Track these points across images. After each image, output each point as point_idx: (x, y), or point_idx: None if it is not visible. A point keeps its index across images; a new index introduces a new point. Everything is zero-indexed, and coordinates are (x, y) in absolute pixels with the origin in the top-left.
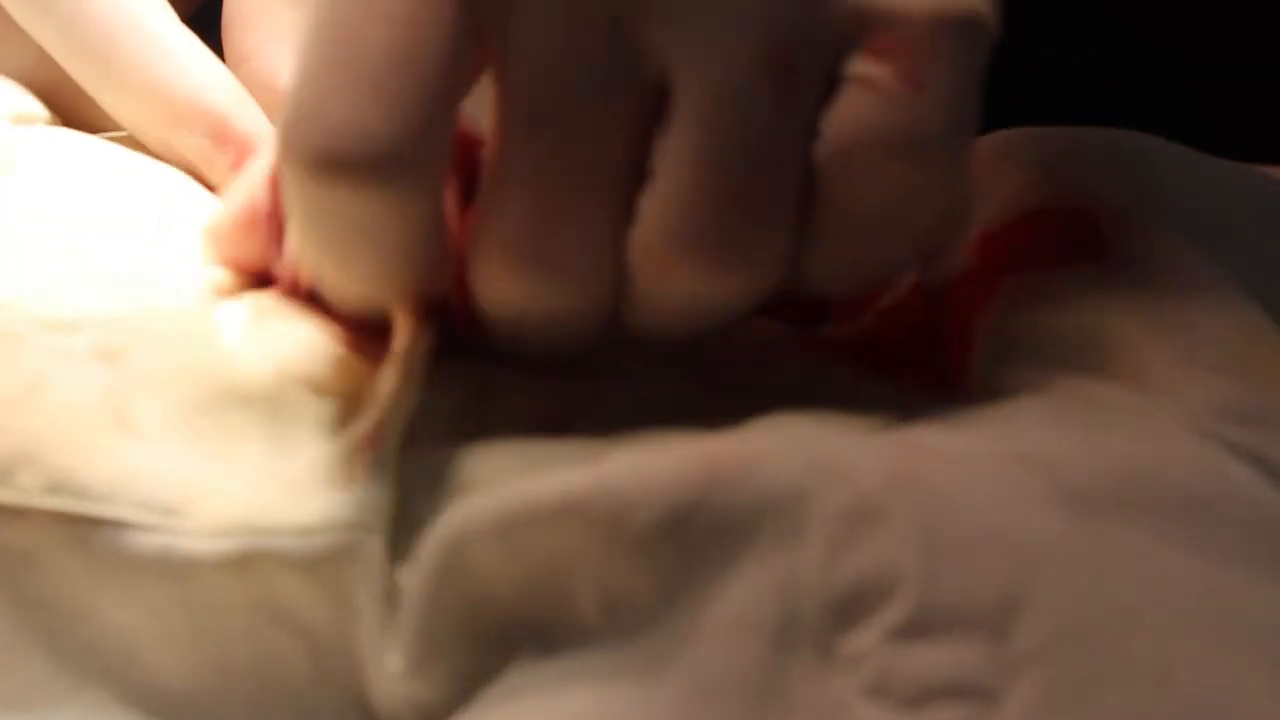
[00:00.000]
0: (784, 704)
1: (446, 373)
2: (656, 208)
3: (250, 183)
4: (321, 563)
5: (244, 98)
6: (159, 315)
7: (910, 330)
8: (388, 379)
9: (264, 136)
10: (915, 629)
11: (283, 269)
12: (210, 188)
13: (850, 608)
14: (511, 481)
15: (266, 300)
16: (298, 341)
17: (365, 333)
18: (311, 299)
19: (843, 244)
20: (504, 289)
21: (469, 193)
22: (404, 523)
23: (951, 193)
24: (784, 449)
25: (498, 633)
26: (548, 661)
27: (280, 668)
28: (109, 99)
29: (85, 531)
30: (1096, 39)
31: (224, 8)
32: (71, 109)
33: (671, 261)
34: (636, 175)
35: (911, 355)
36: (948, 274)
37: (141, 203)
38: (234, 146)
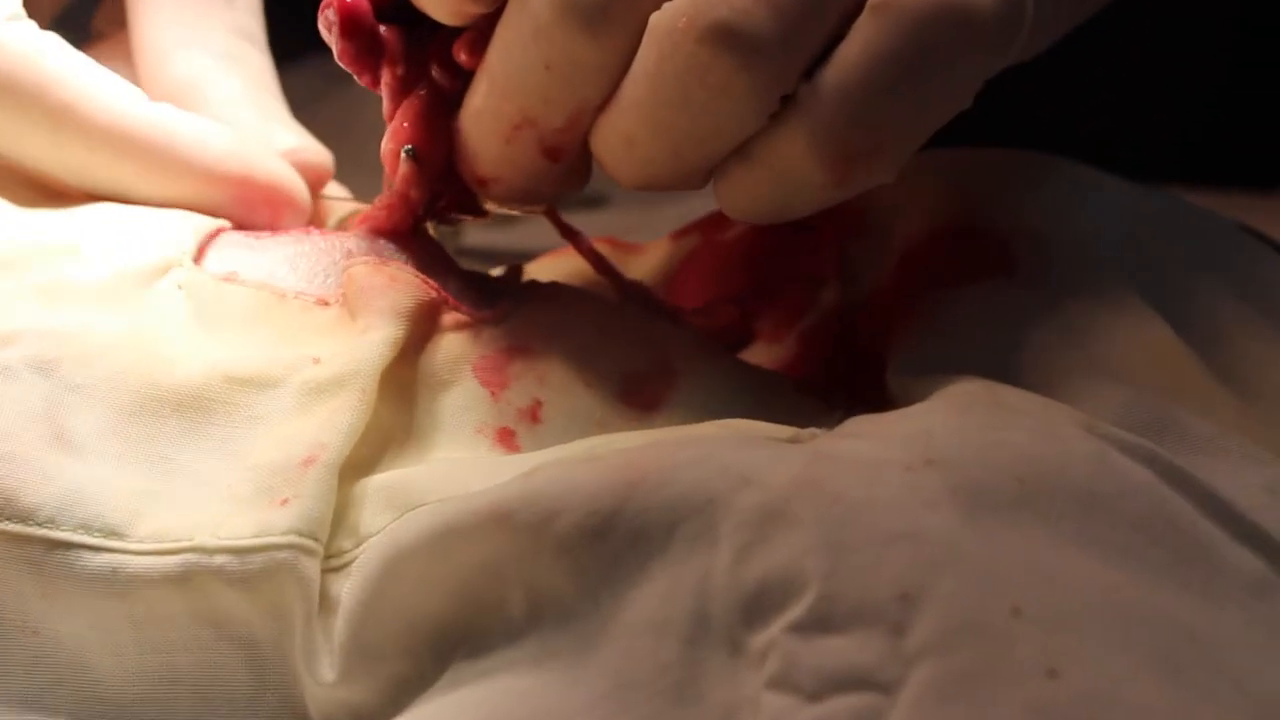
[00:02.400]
0: (696, 697)
1: (394, 388)
2: None
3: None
4: (258, 578)
5: (248, 146)
6: (89, 325)
7: (830, 347)
8: (335, 393)
9: (285, 179)
10: (818, 624)
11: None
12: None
13: (758, 606)
14: (450, 497)
15: (209, 302)
16: (233, 343)
17: (319, 332)
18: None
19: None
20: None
21: None
22: (349, 537)
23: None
24: (699, 457)
25: (433, 639)
26: (479, 662)
27: (222, 677)
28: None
29: (32, 552)
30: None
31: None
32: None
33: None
34: None
35: (831, 371)
36: (867, 291)
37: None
38: (265, 204)
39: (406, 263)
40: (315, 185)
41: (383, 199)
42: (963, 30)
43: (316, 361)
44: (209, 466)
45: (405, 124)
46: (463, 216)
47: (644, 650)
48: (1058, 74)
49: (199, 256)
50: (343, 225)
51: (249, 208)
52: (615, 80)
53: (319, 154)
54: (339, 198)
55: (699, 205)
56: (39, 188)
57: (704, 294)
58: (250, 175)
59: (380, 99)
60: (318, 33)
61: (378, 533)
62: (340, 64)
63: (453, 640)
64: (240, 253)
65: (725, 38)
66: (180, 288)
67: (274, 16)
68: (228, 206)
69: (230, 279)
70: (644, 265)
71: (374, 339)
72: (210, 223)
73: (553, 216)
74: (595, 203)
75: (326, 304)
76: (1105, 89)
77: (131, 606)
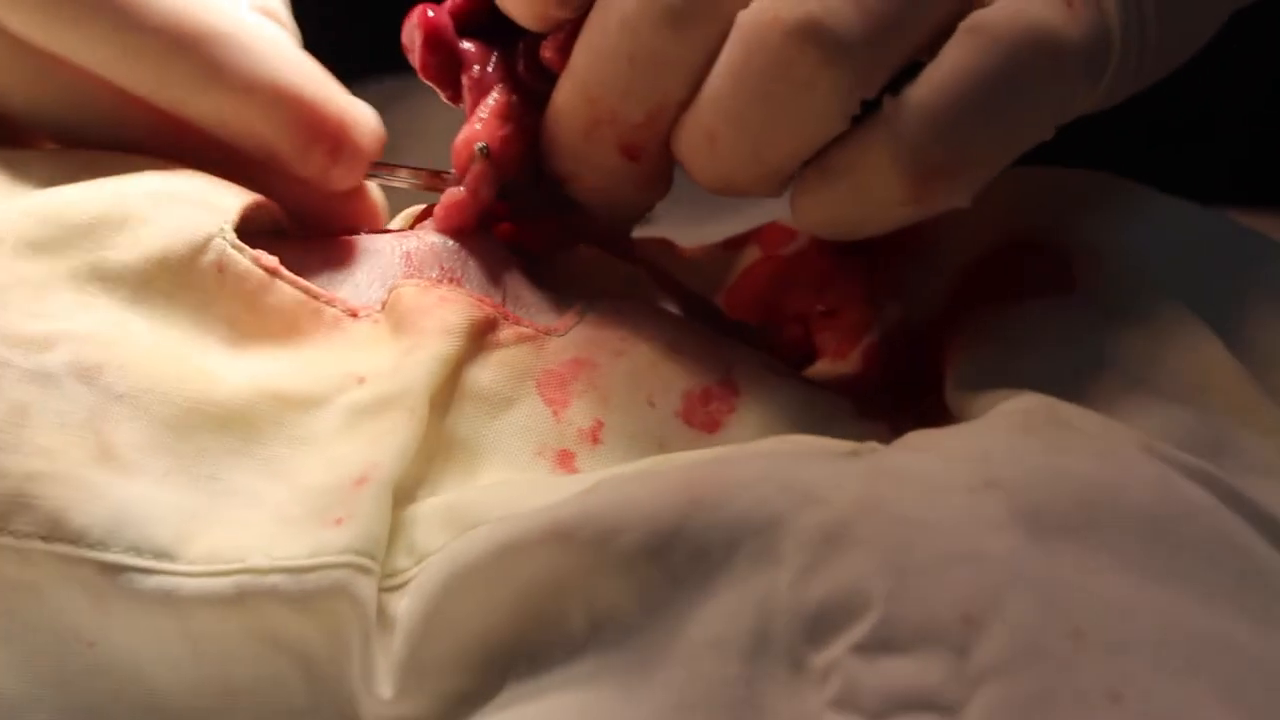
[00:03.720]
0: (757, 716)
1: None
2: None
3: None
4: (314, 598)
5: (328, 80)
6: (126, 325)
7: (893, 365)
8: (383, 413)
9: (355, 117)
10: (881, 644)
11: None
12: (282, 182)
13: (821, 625)
14: (508, 516)
15: (249, 316)
16: (272, 354)
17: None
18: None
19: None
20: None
21: None
22: (408, 555)
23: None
24: (760, 474)
25: (492, 655)
26: (539, 678)
27: (279, 690)
28: (183, 97)
29: (84, 573)
30: None
31: None
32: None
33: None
34: None
35: (894, 388)
36: (928, 309)
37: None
38: (327, 138)
39: (467, 267)
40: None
41: (450, 196)
42: (1053, 59)
43: (361, 381)
44: (257, 486)
45: (483, 120)
46: (531, 239)
47: (705, 668)
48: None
49: (244, 234)
50: (408, 223)
51: (310, 138)
52: (697, 76)
53: (374, 119)
54: (390, 176)
55: (744, 223)
56: (71, 162)
57: (762, 308)
58: (324, 99)
59: (440, 118)
60: (372, 53)
61: (436, 551)
62: (422, 78)
63: (512, 656)
64: (288, 246)
65: (812, 32)
66: (221, 271)
67: (330, 37)
68: (288, 135)
69: (274, 271)
70: (695, 271)
71: (422, 357)
72: (253, 198)
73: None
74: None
75: (355, 315)
76: (1158, 109)
77: (186, 624)
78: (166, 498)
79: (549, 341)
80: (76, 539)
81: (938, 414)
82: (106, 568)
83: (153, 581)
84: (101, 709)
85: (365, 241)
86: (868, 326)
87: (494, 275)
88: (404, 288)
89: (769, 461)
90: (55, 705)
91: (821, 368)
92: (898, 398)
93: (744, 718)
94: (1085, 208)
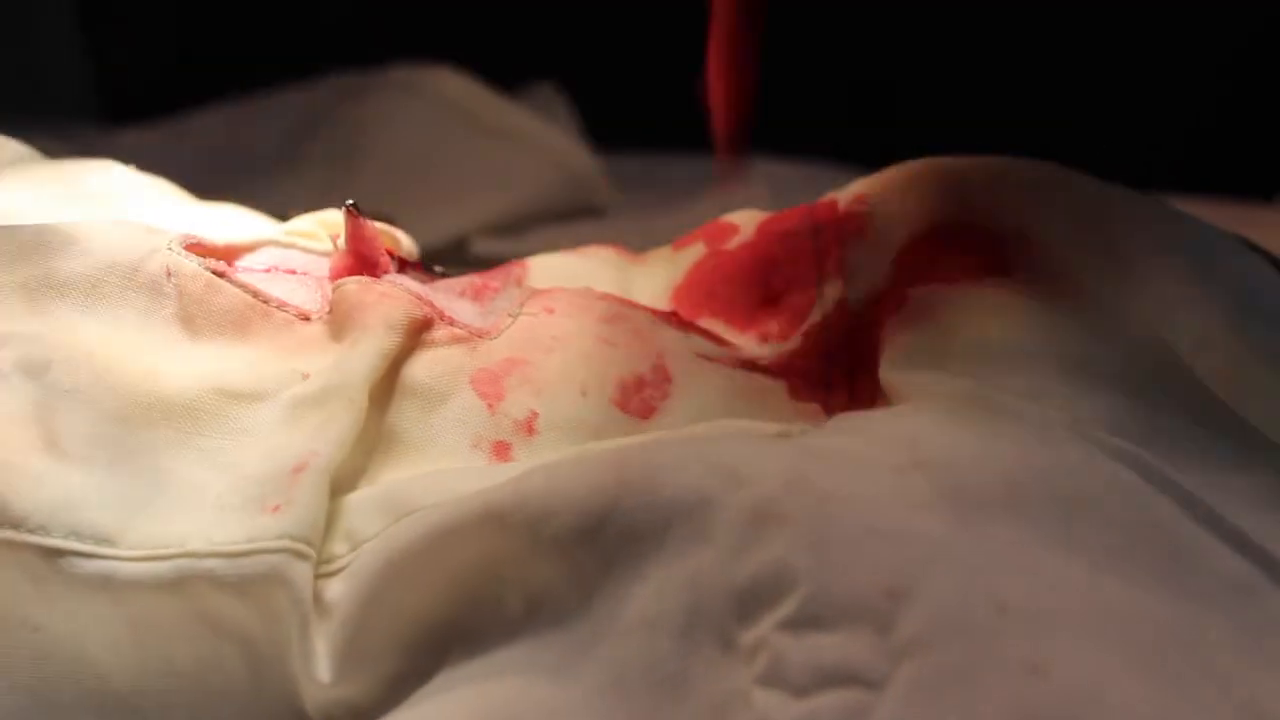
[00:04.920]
0: (688, 693)
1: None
2: None
3: None
4: (250, 583)
5: None
6: (75, 326)
7: (833, 345)
8: (324, 404)
9: None
10: (807, 620)
11: None
12: None
13: (749, 603)
14: (443, 501)
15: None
16: (219, 354)
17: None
18: None
19: None
20: None
21: None
22: (345, 542)
23: None
24: (690, 457)
25: (429, 639)
26: (476, 660)
27: (220, 672)
28: None
29: (26, 558)
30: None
31: None
32: None
33: None
34: None
35: (834, 368)
36: (867, 290)
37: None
38: None
39: (404, 283)
40: None
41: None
42: None
43: (306, 377)
44: (199, 476)
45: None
46: None
47: (638, 646)
48: (1057, 82)
49: (199, 250)
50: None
51: None
52: None
53: None
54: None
55: (699, 215)
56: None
57: (712, 301)
58: None
59: None
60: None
61: (372, 537)
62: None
63: (449, 639)
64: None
65: None
66: (169, 274)
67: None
68: None
69: (222, 274)
70: (649, 273)
71: (363, 350)
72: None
73: None
74: (596, 213)
75: (308, 319)
76: (1103, 97)
77: (126, 608)
78: (109, 486)
79: (481, 344)
80: (18, 524)
81: (873, 394)
82: (48, 552)
83: (93, 566)
84: (48, 692)
85: (304, 258)
86: (809, 310)
87: (426, 292)
88: (347, 284)
89: (699, 445)
90: (2, 688)
91: (762, 350)
92: (834, 378)
93: (675, 696)
94: (1025, 193)
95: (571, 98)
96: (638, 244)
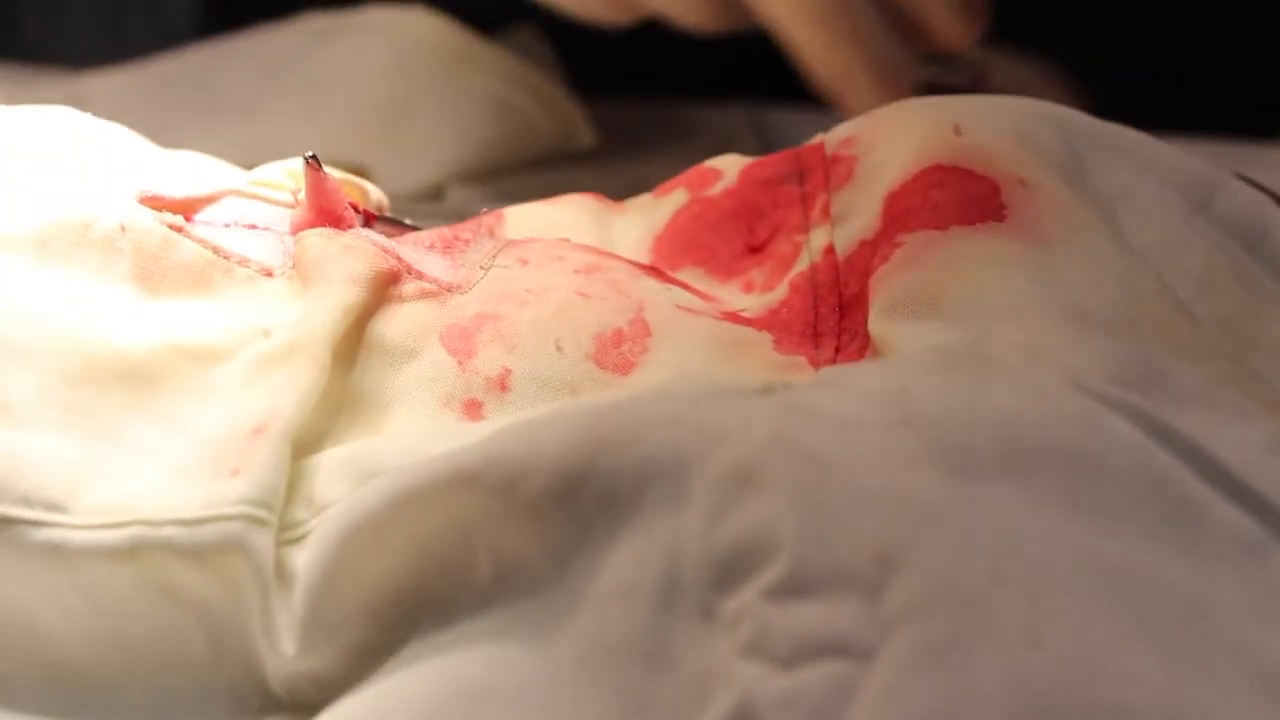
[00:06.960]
0: (667, 665)
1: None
2: None
3: None
4: (208, 551)
5: None
6: (25, 282)
7: (821, 293)
8: (285, 362)
9: None
10: (791, 588)
11: None
12: None
13: (730, 570)
14: (410, 464)
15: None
16: (177, 311)
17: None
18: None
19: None
20: None
21: None
22: (307, 507)
23: None
24: (668, 414)
25: (397, 607)
26: (446, 629)
27: (178, 643)
28: None
29: None
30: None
31: None
32: None
33: None
34: None
35: (822, 318)
36: (856, 235)
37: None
38: None
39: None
40: None
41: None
42: None
43: (267, 334)
44: (155, 439)
45: None
46: None
47: (614, 617)
48: (1057, 23)
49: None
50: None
51: None
52: None
53: None
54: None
55: (686, 163)
56: None
57: (694, 250)
58: None
59: None
60: None
61: (336, 502)
62: None
63: (418, 607)
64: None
65: None
66: (124, 230)
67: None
68: None
69: (178, 229)
70: (629, 222)
71: (325, 305)
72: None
73: None
74: (579, 161)
75: (270, 274)
76: (1104, 37)
77: (78, 577)
78: (60, 451)
79: (451, 299)
80: None
81: (862, 345)
82: None
83: (42, 534)
84: (2, 664)
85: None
86: (796, 258)
87: (394, 246)
88: (309, 237)
89: (678, 401)
90: None
91: (747, 301)
92: (821, 329)
93: (654, 668)
94: (1022, 135)
95: (555, 44)
96: (622, 191)
